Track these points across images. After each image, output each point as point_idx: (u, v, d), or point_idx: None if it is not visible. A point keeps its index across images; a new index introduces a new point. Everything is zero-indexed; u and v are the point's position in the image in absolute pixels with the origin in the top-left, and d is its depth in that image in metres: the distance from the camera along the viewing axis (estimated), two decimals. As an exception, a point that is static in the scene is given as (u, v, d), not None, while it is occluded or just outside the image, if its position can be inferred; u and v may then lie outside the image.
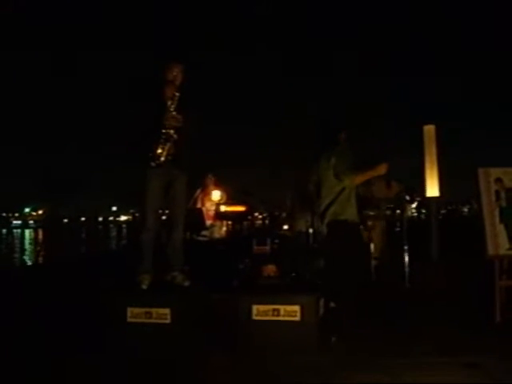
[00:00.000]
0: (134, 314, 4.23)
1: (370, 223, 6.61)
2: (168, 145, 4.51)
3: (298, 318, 4.06)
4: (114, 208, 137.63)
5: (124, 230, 67.44)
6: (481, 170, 5.06)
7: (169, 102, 4.56)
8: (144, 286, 4.49)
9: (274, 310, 4.11)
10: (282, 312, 4.09)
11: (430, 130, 8.55)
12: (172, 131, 4.52)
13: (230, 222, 8.75)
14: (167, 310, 4.18)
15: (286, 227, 9.24)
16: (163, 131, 4.51)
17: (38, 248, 32.50)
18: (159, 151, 4.49)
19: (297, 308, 4.06)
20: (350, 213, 4.66)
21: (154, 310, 4.21)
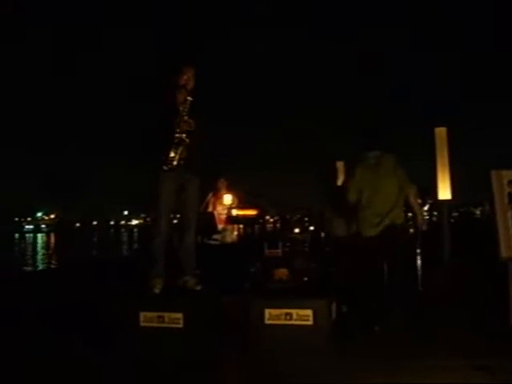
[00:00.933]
0: (147, 318, 4.23)
1: None
2: (180, 149, 4.53)
3: (310, 322, 4.05)
4: (126, 212, 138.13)
5: (135, 234, 67.53)
6: (494, 173, 5.02)
7: (181, 107, 4.59)
8: (156, 290, 4.49)
9: (286, 314, 4.10)
10: (294, 316, 4.08)
11: (441, 132, 8.53)
12: (184, 135, 4.54)
13: (241, 226, 8.76)
14: (180, 315, 4.18)
15: (297, 230, 9.23)
16: (175, 135, 4.53)
17: (50, 252, 32.64)
18: (172, 155, 4.51)
19: (309, 312, 4.05)
20: (403, 217, 5.19)
21: (166, 315, 4.21)
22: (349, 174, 5.43)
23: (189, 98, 4.61)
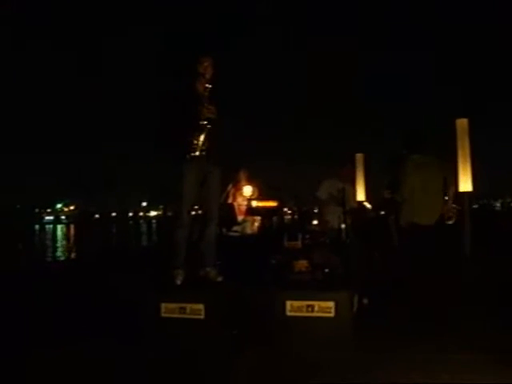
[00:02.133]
0: (169, 309, 4.25)
1: None
2: (202, 136, 4.53)
3: (332, 315, 4.04)
4: (144, 203, 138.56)
5: (154, 226, 67.85)
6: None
7: (201, 95, 4.60)
8: (178, 282, 4.51)
9: (308, 306, 4.09)
10: (316, 308, 4.07)
11: (462, 123, 8.44)
12: (206, 122, 4.54)
13: (259, 218, 8.73)
14: (201, 306, 4.19)
15: (315, 222, 9.17)
16: (197, 123, 4.54)
17: (70, 244, 32.92)
18: (194, 142, 4.52)
19: (331, 304, 4.04)
20: None
21: (188, 306, 4.22)
22: (398, 171, 5.93)
23: (208, 86, 4.62)
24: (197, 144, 4.53)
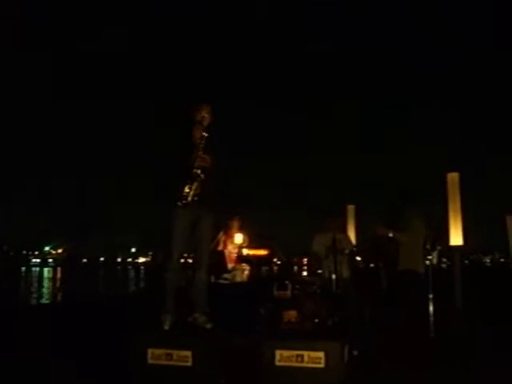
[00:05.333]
0: (156, 355, 4.16)
1: None
2: (195, 184, 4.54)
3: (322, 365, 3.96)
4: (133, 249, 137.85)
5: (142, 272, 67.27)
6: (509, 218, 5.00)
7: (197, 143, 4.62)
8: (166, 327, 4.45)
9: (297, 355, 4.01)
10: (305, 358, 3.99)
11: (453, 177, 8.53)
12: (199, 171, 4.55)
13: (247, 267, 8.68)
14: (188, 353, 4.11)
15: (305, 273, 9.12)
16: (191, 171, 4.54)
17: (58, 287, 32.52)
18: (186, 191, 4.52)
19: (321, 354, 3.97)
20: None
21: (175, 352, 4.13)
22: (403, 214, 6.13)
23: (204, 134, 4.65)
24: (189, 192, 4.53)
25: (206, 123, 4.72)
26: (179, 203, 4.52)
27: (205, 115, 4.73)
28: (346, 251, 7.12)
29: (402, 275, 5.90)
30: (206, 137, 4.65)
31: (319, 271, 7.57)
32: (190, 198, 4.52)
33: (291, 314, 5.32)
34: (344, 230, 9.50)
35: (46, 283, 36.08)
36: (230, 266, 7.54)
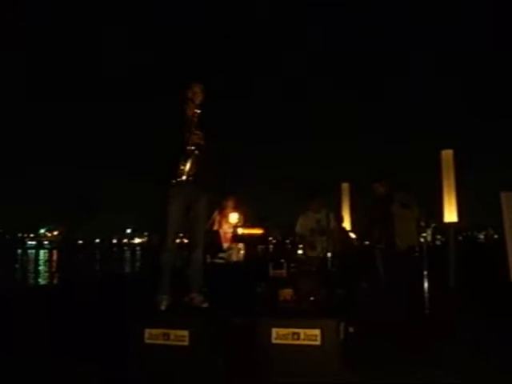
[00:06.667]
0: (152, 335, 4.18)
1: None
2: (189, 162, 4.52)
3: (318, 342, 3.98)
4: (129, 230, 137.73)
5: (138, 253, 67.30)
6: (503, 194, 4.98)
7: (189, 120, 4.60)
8: (163, 307, 4.46)
9: (293, 333, 4.04)
10: (302, 336, 4.02)
11: (447, 154, 8.53)
12: (193, 147, 4.54)
13: (244, 245, 8.69)
14: (185, 332, 4.11)
15: (300, 252, 9.16)
16: (185, 148, 4.53)
17: (53, 269, 32.51)
18: (181, 168, 4.50)
19: (317, 332, 3.99)
20: None
21: (172, 332, 4.14)
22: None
23: (197, 111, 4.63)
24: (183, 169, 4.51)
25: (197, 101, 4.71)
26: (173, 181, 4.50)
27: (196, 92, 4.72)
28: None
29: (400, 255, 5.99)
30: (199, 114, 4.64)
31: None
32: (184, 176, 4.51)
33: (287, 293, 5.35)
34: (336, 209, 9.56)
35: (42, 266, 36.04)
36: (225, 245, 7.54)
